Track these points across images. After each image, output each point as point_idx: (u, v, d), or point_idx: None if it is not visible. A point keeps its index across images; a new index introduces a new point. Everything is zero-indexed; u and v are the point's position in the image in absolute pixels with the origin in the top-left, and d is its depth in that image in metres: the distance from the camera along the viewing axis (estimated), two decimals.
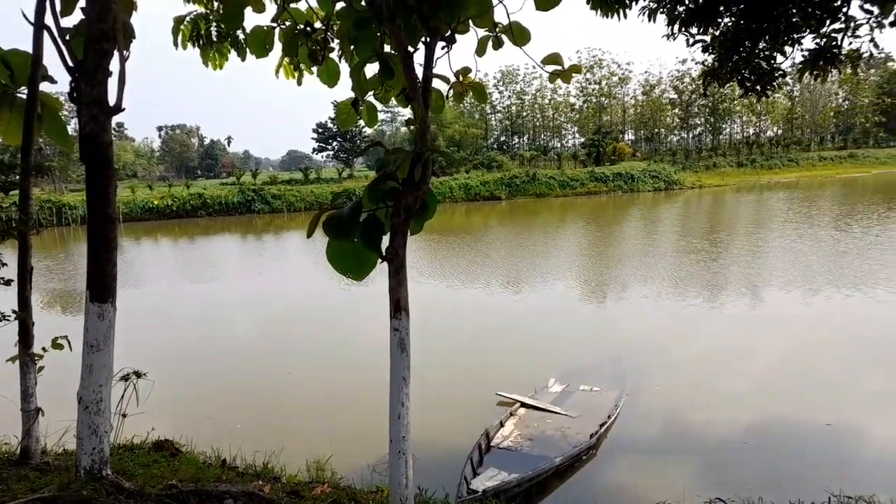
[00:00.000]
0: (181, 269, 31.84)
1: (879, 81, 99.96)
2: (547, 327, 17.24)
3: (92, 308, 3.56)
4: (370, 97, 4.24)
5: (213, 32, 4.47)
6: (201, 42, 4.47)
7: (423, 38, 3.42)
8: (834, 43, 6.11)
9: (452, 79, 4.19)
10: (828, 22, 6.03)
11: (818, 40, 6.21)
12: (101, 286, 3.57)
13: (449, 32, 3.29)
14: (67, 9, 3.91)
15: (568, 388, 11.87)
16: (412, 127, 3.27)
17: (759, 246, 28.99)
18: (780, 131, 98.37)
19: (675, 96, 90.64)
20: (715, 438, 9.88)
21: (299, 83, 4.66)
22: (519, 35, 4.04)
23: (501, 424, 10.28)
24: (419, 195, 2.83)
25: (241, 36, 4.47)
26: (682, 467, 8.83)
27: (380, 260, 2.80)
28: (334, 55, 4.34)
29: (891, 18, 5.61)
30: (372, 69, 3.76)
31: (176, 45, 4.29)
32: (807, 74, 6.51)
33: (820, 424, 9.99)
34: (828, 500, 4.80)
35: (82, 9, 3.62)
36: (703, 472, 8.69)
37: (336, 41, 4.32)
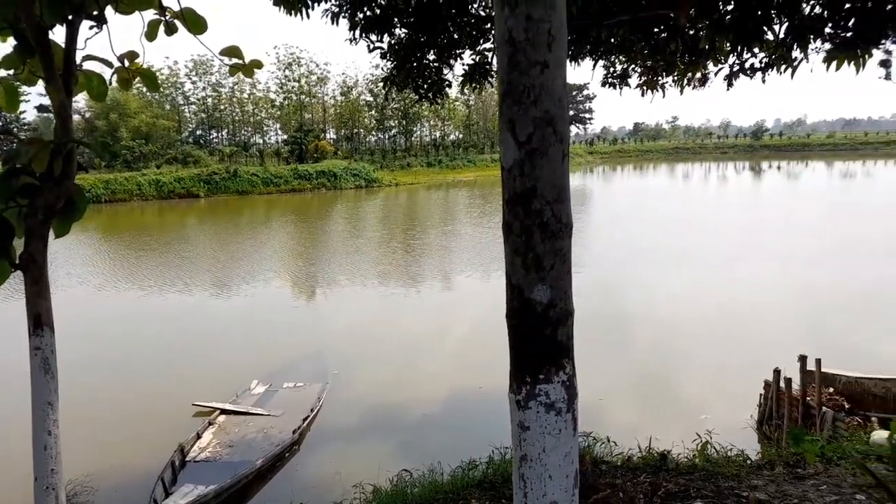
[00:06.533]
0: None
1: None
2: (252, 328, 16.72)
3: None
4: (10, 77, 3.57)
5: None
6: None
7: (67, 15, 3.02)
8: (486, 60, 7.10)
9: (116, 63, 3.78)
10: (481, 41, 6.98)
11: (474, 57, 7.15)
12: None
13: (98, 11, 2.94)
14: None
15: (271, 387, 11.72)
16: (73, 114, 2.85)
17: (447, 238, 32.35)
18: (460, 135, 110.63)
19: (371, 99, 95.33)
20: (408, 416, 10.82)
21: None
22: (194, 23, 3.80)
23: (198, 436, 9.71)
24: (62, 192, 2.48)
25: None
26: (380, 447, 9.46)
27: (12, 268, 2.38)
28: None
29: None
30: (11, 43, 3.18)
31: None
32: (467, 85, 7.44)
33: (473, 388, 11.65)
34: (491, 452, 5.65)
35: None
36: (398, 448, 9.44)
37: None
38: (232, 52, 4.22)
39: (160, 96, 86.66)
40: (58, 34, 2.90)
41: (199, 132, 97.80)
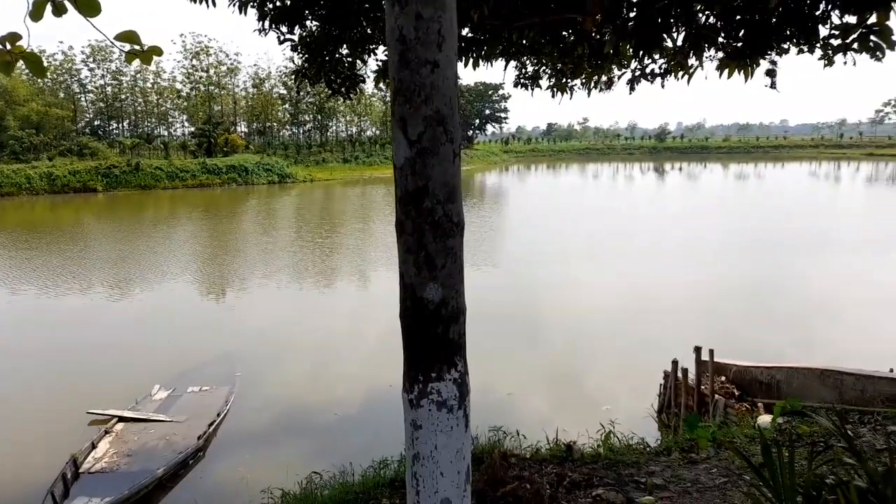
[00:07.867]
0: None
1: None
2: (156, 330, 15.89)
3: None
4: None
5: None
6: None
7: None
8: None
9: None
10: None
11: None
12: None
13: None
14: None
15: (174, 392, 11.20)
16: None
17: (361, 236, 32.03)
18: (378, 131, 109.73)
19: (285, 92, 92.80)
20: (319, 417, 10.61)
21: None
22: (85, 4, 3.56)
23: (94, 446, 9.13)
24: None
25: None
26: (290, 450, 9.23)
27: None
28: None
29: None
30: None
31: None
32: (382, 81, 7.37)
33: (386, 387, 11.56)
34: (403, 451, 5.62)
35: None
36: (308, 451, 9.24)
37: None
38: (128, 37, 3.96)
39: (53, 83, 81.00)
40: None
41: (97, 123, 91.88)
